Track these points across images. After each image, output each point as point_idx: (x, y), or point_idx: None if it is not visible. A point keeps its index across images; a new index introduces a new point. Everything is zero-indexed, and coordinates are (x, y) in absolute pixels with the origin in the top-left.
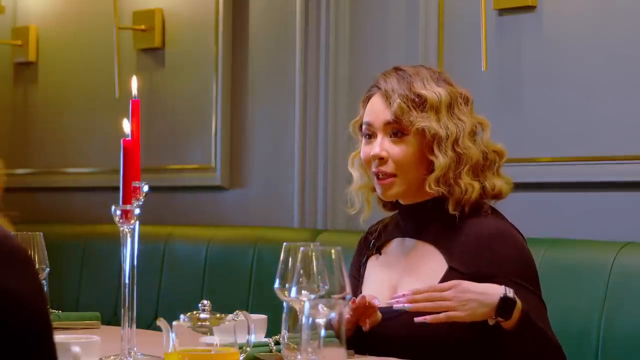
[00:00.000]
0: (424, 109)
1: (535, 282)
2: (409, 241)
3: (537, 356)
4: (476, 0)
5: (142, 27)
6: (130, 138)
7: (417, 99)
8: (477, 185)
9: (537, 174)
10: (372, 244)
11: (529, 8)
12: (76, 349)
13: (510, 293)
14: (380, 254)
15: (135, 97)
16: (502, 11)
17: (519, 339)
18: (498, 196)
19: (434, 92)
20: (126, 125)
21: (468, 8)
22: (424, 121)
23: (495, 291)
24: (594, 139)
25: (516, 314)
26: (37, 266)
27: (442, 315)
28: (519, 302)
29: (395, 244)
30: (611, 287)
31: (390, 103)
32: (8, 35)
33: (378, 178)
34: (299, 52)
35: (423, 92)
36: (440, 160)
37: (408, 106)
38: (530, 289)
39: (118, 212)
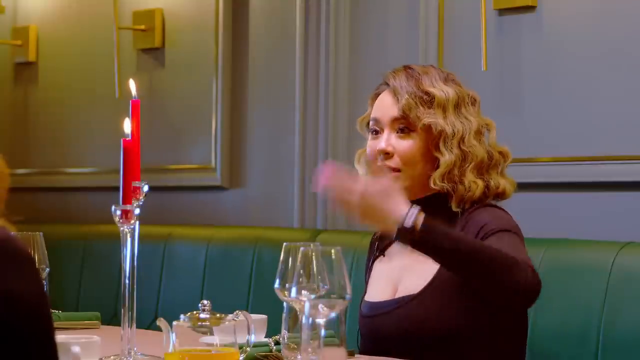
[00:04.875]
0: (431, 106)
1: (516, 232)
2: None
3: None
4: (476, 0)
5: (142, 27)
6: (130, 138)
7: (425, 96)
8: (480, 183)
9: (537, 174)
10: (376, 246)
11: (529, 8)
12: (76, 349)
13: (410, 221)
14: (384, 255)
15: (135, 97)
16: (502, 11)
17: (426, 244)
18: (501, 195)
19: (442, 90)
20: (126, 125)
21: (468, 8)
22: (431, 117)
23: (396, 216)
24: (594, 139)
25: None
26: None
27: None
28: (418, 222)
29: (398, 244)
30: (611, 287)
31: (398, 99)
32: (8, 35)
33: None
34: (299, 52)
35: (431, 89)
36: (446, 157)
37: (416, 102)
38: (511, 231)
39: (118, 212)
